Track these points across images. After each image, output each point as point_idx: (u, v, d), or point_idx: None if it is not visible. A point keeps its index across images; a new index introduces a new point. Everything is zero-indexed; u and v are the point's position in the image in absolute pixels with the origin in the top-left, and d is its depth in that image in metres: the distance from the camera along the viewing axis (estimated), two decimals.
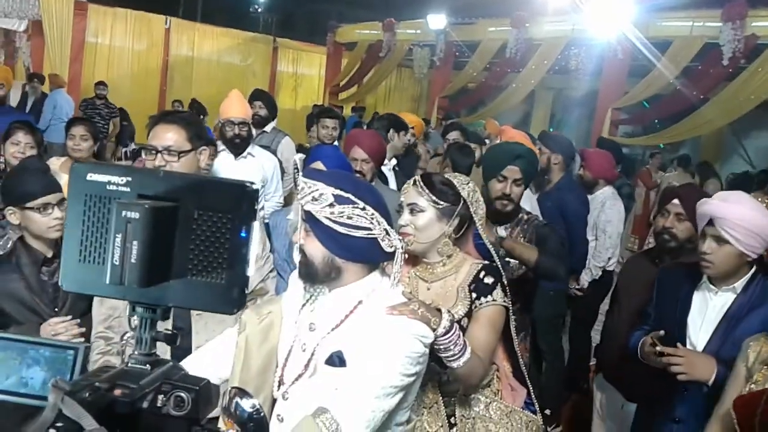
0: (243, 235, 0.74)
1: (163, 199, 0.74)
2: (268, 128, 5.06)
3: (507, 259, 2.73)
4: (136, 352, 0.75)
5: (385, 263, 1.78)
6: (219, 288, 0.75)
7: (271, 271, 2.61)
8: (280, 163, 4.56)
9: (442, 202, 2.03)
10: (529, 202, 3.76)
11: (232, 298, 0.75)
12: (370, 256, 1.72)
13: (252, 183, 0.80)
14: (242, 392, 1.34)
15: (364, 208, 1.64)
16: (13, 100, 10.67)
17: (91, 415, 0.62)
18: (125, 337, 1.81)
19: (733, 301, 2.28)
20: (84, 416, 0.61)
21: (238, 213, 0.74)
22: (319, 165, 2.80)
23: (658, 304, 2.52)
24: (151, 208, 0.70)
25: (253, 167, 4.06)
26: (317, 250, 1.67)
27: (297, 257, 1.77)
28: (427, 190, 2.03)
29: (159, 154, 2.33)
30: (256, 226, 0.76)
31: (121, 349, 2.26)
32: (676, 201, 2.75)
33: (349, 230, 1.63)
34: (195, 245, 0.74)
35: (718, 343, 2.28)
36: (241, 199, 0.75)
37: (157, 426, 0.71)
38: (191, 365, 1.90)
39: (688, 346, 2.32)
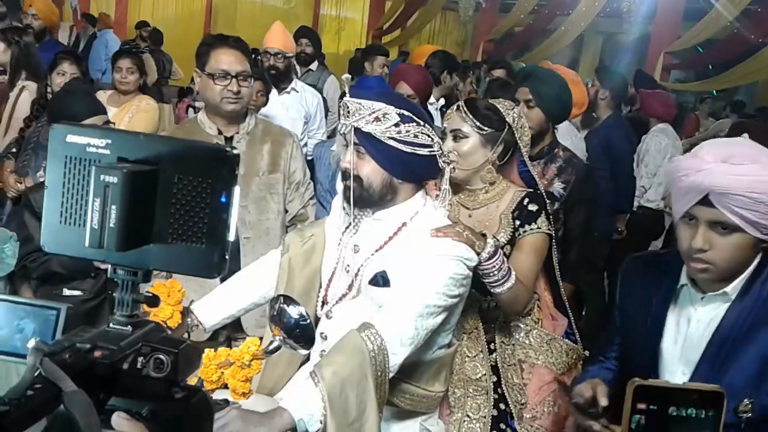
0: (223, 200, 0.73)
1: (143, 162, 0.73)
2: (313, 66, 5.03)
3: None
4: (117, 314, 0.76)
5: (427, 184, 1.79)
6: (199, 252, 0.74)
7: (311, 198, 2.65)
8: (325, 101, 4.56)
9: (486, 128, 1.99)
10: (570, 139, 3.68)
11: (213, 262, 0.75)
12: (428, 173, 1.74)
13: (233, 148, 0.79)
14: (289, 300, 1.38)
15: (424, 126, 1.65)
16: (62, 40, 10.78)
17: (70, 377, 0.62)
18: None
19: (725, 314, 1.48)
20: (62, 378, 0.62)
21: (218, 178, 0.73)
22: None
23: (623, 316, 1.72)
24: (130, 172, 0.70)
25: (295, 102, 4.06)
26: (375, 173, 1.66)
27: (341, 184, 1.78)
28: (470, 116, 1.99)
29: (234, 79, 2.37)
30: (237, 191, 0.74)
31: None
32: (745, 135, 2.64)
33: (415, 149, 1.64)
34: (175, 209, 0.74)
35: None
36: (221, 163, 0.74)
37: (137, 387, 0.71)
38: (236, 285, 1.97)
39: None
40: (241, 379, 1.38)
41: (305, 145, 4.06)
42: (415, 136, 1.63)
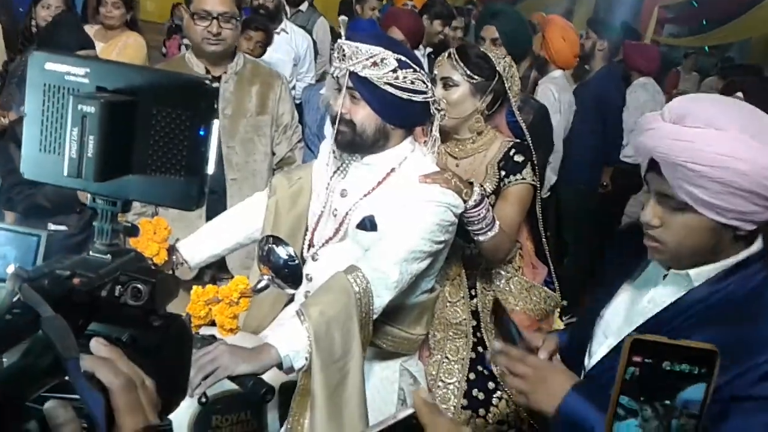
0: (201, 133, 0.74)
1: (122, 93, 0.73)
2: (303, 7, 4.93)
3: None
4: (97, 243, 0.76)
5: (414, 130, 1.80)
6: (178, 184, 0.75)
7: (299, 142, 2.64)
8: (314, 44, 4.48)
9: (476, 77, 1.98)
10: (567, 91, 3.69)
11: (191, 195, 0.76)
12: (420, 119, 1.75)
13: (211, 81, 0.79)
14: (278, 240, 1.40)
15: (420, 72, 1.64)
16: None
17: (49, 303, 0.63)
18: None
19: (677, 299, 1.23)
20: (40, 303, 0.62)
21: (197, 110, 0.73)
22: None
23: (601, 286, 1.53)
24: (108, 102, 0.69)
25: (284, 44, 4.00)
26: (370, 118, 1.66)
27: (331, 129, 1.77)
28: (461, 64, 1.98)
29: (215, 21, 2.33)
30: (216, 124, 0.75)
31: (154, 211, 2.33)
32: (739, 94, 2.63)
33: (411, 95, 1.64)
34: (154, 141, 0.74)
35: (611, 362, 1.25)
36: (199, 96, 0.74)
37: (115, 314, 0.72)
38: (222, 225, 1.98)
39: (586, 359, 1.38)
40: (229, 315, 1.41)
41: (294, 88, 4.02)
42: (412, 83, 1.63)
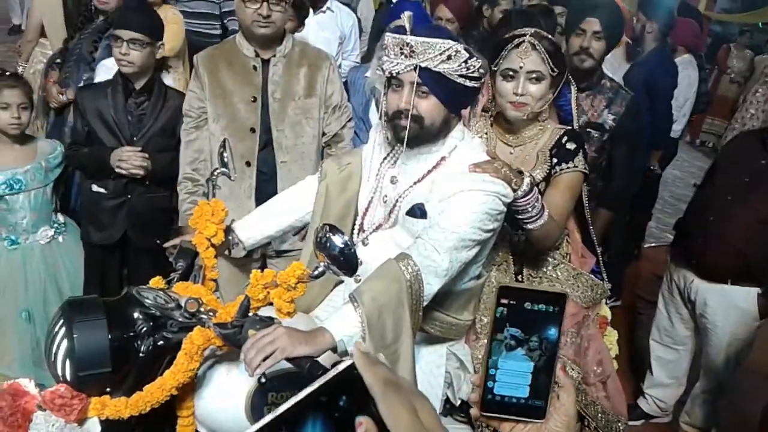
0: None
1: None
2: None
3: (588, 129, 2.68)
4: None
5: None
6: None
7: (349, 121, 2.66)
8: (359, 21, 4.47)
9: (556, 69, 1.94)
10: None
11: None
12: (473, 101, 1.77)
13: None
14: (334, 229, 1.44)
15: (479, 58, 1.66)
16: None
17: None
18: (215, 173, 1.90)
19: None
20: None
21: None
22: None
23: None
24: None
25: (331, 23, 4.00)
26: (437, 110, 1.68)
27: (382, 119, 1.78)
28: (549, 57, 1.92)
29: (265, 3, 2.37)
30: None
31: (206, 191, 2.39)
32: None
33: (475, 83, 1.67)
34: None
35: None
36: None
37: None
38: (275, 207, 2.03)
39: None
40: (287, 300, 1.46)
41: (339, 66, 4.03)
42: (478, 70, 1.65)
